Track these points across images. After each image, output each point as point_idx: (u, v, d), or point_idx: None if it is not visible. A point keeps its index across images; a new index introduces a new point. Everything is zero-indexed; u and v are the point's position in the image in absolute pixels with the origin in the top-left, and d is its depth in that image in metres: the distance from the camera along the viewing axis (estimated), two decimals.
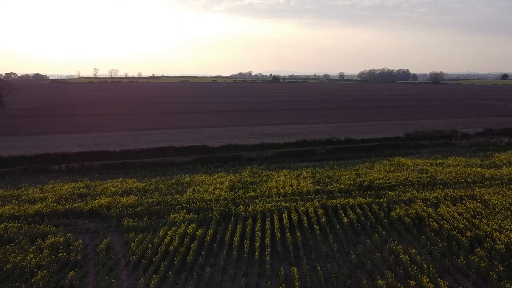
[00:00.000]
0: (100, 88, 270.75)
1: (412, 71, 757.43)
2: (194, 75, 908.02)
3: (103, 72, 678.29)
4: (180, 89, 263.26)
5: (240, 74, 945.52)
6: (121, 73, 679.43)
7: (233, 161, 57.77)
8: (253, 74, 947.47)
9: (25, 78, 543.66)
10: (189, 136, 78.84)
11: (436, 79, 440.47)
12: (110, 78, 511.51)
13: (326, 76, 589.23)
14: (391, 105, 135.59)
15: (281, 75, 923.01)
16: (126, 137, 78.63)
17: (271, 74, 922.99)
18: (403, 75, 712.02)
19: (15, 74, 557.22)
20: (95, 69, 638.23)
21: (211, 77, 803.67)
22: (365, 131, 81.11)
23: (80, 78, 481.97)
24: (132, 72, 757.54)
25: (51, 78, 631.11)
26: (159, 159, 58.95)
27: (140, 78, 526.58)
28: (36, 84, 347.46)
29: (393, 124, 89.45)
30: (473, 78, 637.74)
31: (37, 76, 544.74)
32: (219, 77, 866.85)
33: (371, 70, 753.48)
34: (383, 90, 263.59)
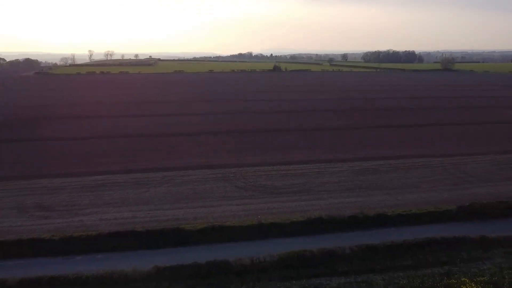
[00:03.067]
0: (83, 85, 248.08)
1: (416, 49, 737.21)
2: (193, 56, 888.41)
3: (100, 51, 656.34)
4: (171, 86, 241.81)
5: (240, 54, 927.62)
6: (117, 54, 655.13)
7: (215, 275, 38.74)
8: (253, 54, 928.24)
9: (15, 64, 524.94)
10: (163, 191, 59.81)
11: (447, 65, 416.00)
12: (102, 64, 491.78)
13: (330, 60, 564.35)
14: (414, 122, 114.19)
15: (281, 55, 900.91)
16: (80, 193, 59.70)
17: (271, 54, 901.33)
18: (409, 56, 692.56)
19: (3, 59, 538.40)
20: (90, 51, 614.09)
21: (210, 59, 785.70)
22: (394, 183, 61.76)
23: (70, 66, 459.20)
24: (130, 52, 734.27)
25: (45, 60, 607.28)
26: (107, 264, 40.09)
27: (133, 64, 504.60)
28: (19, 77, 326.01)
29: (428, 166, 69.71)
30: (481, 61, 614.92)
31: (27, 61, 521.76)
32: (219, 57, 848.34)
33: (375, 51, 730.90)
34: (395, 86, 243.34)
